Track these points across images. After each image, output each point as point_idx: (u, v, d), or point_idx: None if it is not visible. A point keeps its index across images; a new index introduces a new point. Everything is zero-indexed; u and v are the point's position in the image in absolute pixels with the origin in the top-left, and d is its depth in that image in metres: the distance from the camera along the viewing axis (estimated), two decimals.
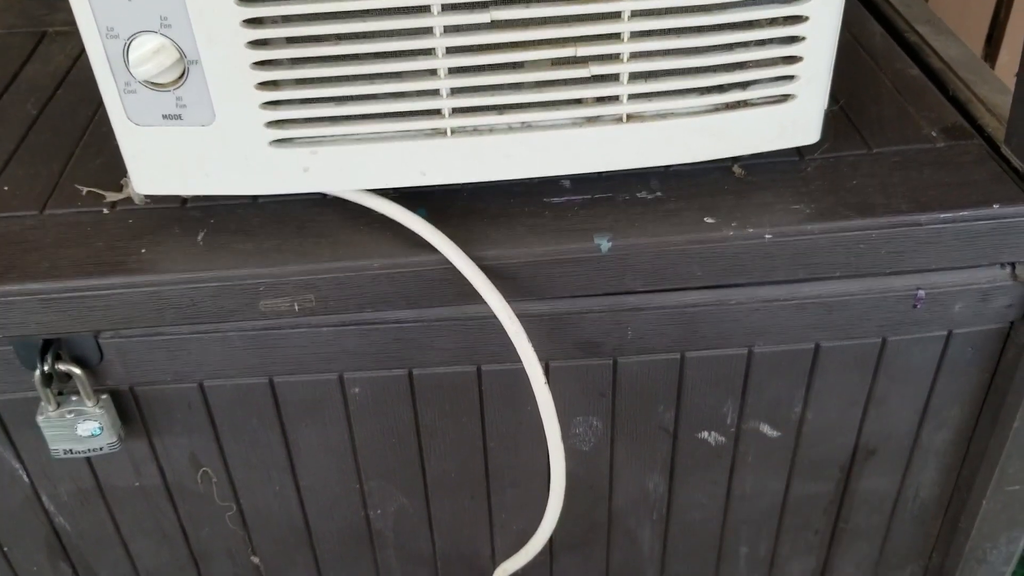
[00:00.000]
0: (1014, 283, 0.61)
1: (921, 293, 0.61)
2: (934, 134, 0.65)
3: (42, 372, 0.58)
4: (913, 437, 0.71)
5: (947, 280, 0.61)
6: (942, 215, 0.58)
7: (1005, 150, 0.63)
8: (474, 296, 0.56)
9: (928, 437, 0.71)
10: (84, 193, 0.61)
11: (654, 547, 0.76)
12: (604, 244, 0.57)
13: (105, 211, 0.60)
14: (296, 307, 0.56)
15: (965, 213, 0.58)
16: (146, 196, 0.60)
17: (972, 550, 0.76)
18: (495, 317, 0.56)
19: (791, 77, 0.56)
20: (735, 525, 0.75)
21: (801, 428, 0.69)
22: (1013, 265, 0.61)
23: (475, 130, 0.56)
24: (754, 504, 0.74)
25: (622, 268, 0.57)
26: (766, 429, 0.68)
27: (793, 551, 0.78)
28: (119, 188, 0.62)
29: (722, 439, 0.69)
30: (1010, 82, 0.64)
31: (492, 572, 0.75)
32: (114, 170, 0.63)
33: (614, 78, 0.55)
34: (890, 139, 0.64)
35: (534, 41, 0.53)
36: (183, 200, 0.61)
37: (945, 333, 0.64)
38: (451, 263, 0.55)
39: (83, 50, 0.77)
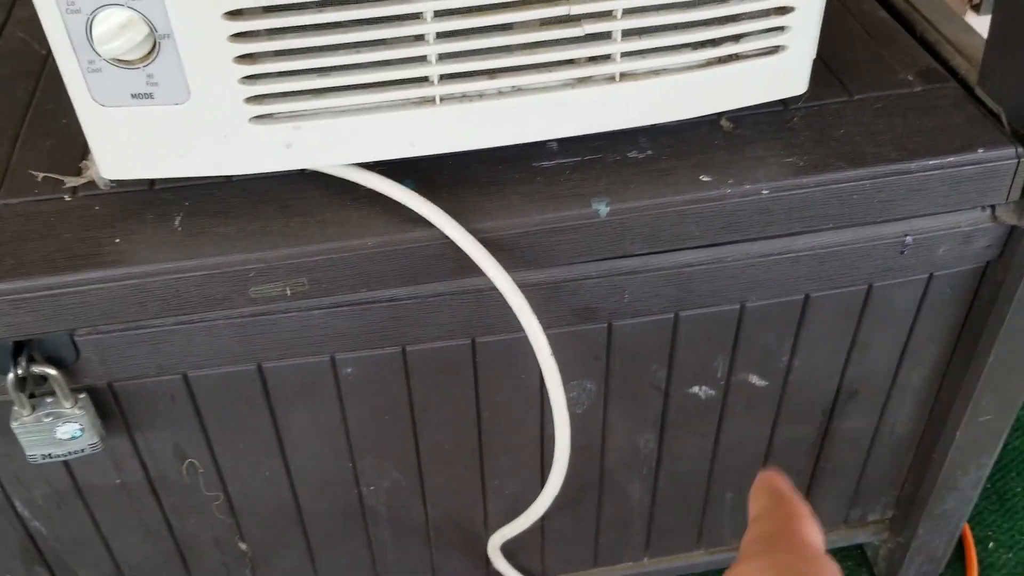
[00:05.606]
0: (994, 224, 0.62)
1: (909, 239, 0.61)
2: (910, 78, 0.65)
3: (15, 376, 0.54)
4: (892, 377, 0.72)
5: (932, 225, 0.62)
6: (930, 161, 0.58)
7: (979, 92, 0.63)
8: (472, 269, 0.54)
9: (906, 375, 0.72)
10: (40, 179, 0.57)
11: (643, 499, 0.77)
12: (602, 209, 0.55)
13: (67, 198, 0.56)
14: (288, 292, 0.54)
15: (952, 159, 0.58)
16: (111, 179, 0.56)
17: (945, 479, 0.79)
18: (492, 289, 0.54)
19: (782, 28, 0.55)
20: (721, 472, 0.76)
21: (788, 376, 0.69)
22: (993, 207, 0.62)
23: (464, 97, 0.53)
24: (740, 451, 0.75)
25: (621, 232, 0.56)
26: (754, 379, 0.69)
27: None
28: (78, 171, 0.57)
29: (712, 392, 0.69)
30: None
31: (485, 537, 0.75)
32: (68, 150, 0.58)
33: (607, 36, 0.53)
34: (869, 85, 0.64)
35: (525, 1, 0.50)
36: (151, 182, 0.57)
37: (927, 276, 0.65)
38: (448, 238, 0.53)
39: (10, 14, 0.71)
